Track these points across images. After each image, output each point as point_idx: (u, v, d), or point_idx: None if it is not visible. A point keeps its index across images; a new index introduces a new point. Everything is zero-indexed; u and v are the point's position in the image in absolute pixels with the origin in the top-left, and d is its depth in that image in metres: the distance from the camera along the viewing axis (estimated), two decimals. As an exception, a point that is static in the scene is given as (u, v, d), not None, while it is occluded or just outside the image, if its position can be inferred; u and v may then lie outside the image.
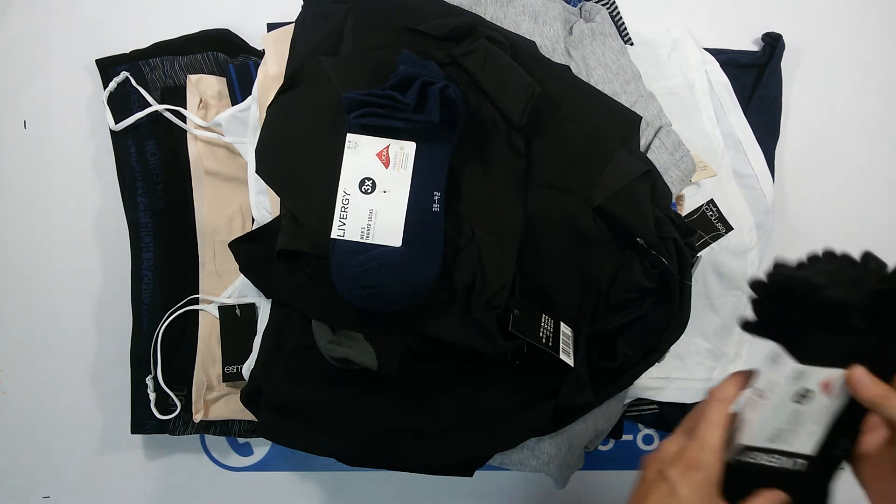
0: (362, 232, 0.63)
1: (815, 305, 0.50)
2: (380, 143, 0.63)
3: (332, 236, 0.62)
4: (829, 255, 0.53)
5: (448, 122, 0.63)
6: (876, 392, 0.49)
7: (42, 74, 0.85)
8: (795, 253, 0.90)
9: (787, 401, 0.52)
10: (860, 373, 0.49)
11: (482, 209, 0.67)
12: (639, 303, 0.70)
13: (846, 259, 0.53)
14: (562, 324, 0.67)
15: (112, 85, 0.80)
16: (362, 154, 0.63)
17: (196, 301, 0.80)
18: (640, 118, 0.73)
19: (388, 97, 0.61)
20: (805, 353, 0.51)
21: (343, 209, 0.63)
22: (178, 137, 0.80)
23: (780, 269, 0.54)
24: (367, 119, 0.61)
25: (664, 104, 0.78)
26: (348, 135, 0.63)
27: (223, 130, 0.77)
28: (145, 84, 0.80)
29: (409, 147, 0.63)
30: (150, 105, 0.79)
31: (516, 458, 0.79)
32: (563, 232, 0.68)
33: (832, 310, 0.50)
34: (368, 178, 0.63)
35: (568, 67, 0.72)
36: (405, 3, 0.72)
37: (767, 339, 0.53)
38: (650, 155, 0.75)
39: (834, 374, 0.51)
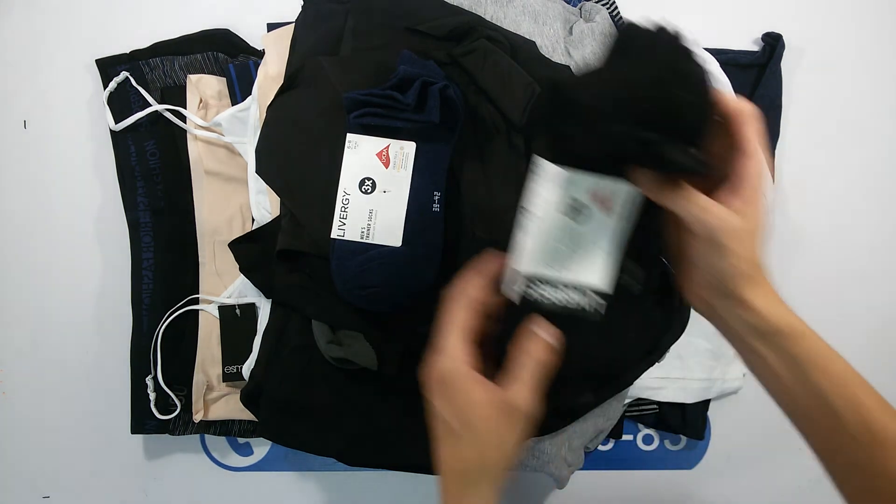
0: (362, 232, 0.63)
1: (582, 119, 0.44)
2: (380, 142, 0.63)
3: (331, 236, 0.63)
4: (644, 48, 0.43)
5: (448, 122, 0.63)
6: (664, 186, 0.46)
7: (42, 74, 0.85)
8: (796, 254, 0.91)
9: (560, 215, 0.48)
10: (643, 172, 0.46)
11: (482, 209, 0.67)
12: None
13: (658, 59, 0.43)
14: None
15: (112, 85, 0.80)
16: (362, 154, 0.63)
17: (196, 301, 0.80)
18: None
19: (388, 97, 0.61)
20: (571, 158, 0.47)
21: (343, 209, 0.63)
22: (178, 137, 0.80)
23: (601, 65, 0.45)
24: (368, 119, 0.61)
25: (664, 104, 0.78)
26: (348, 135, 0.63)
27: (223, 130, 0.77)
28: (145, 84, 0.80)
29: (409, 147, 0.63)
30: (150, 105, 0.79)
31: (516, 458, 0.79)
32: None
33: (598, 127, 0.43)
34: (368, 178, 0.63)
35: (568, 67, 0.72)
36: (405, 4, 0.72)
37: (535, 142, 0.49)
38: (650, 155, 0.75)
39: (607, 185, 0.48)
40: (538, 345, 0.49)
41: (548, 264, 0.49)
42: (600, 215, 0.49)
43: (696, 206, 0.46)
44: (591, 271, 0.49)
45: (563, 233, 0.49)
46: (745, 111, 0.48)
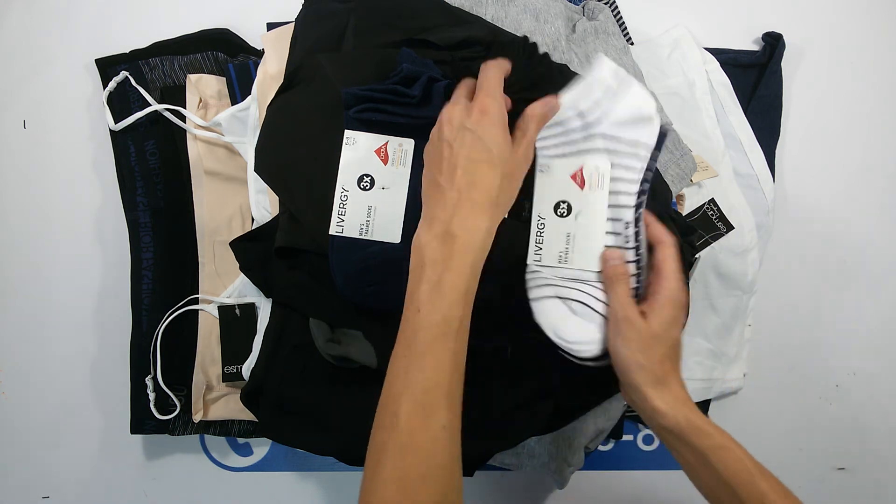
0: (361, 228, 0.63)
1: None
2: (378, 139, 0.63)
3: (330, 233, 0.62)
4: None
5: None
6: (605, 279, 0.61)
7: (42, 74, 0.85)
8: (796, 253, 0.91)
9: None
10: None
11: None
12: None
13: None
14: None
15: (112, 85, 0.80)
16: (361, 150, 0.63)
17: (196, 301, 0.80)
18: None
19: (390, 91, 0.61)
20: None
21: (341, 205, 0.63)
22: (177, 137, 0.80)
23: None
24: (368, 114, 0.61)
25: (664, 104, 0.78)
26: (347, 131, 0.63)
27: (223, 130, 0.77)
28: (145, 84, 0.80)
29: (408, 144, 0.63)
30: (150, 105, 0.79)
31: (516, 458, 0.79)
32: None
33: None
34: (367, 175, 0.63)
35: (566, 66, 0.71)
36: (407, 4, 0.72)
37: None
38: (650, 154, 0.75)
39: None
40: (537, 105, 0.60)
41: None
42: None
43: (615, 299, 0.60)
44: None
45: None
46: (664, 240, 0.61)
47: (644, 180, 0.61)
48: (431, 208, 0.56)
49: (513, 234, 0.63)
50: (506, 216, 0.60)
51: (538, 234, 0.63)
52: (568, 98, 0.60)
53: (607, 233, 0.62)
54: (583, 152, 0.62)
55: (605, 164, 0.62)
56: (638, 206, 0.61)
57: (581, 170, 0.62)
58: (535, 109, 0.60)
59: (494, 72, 0.59)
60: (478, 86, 0.58)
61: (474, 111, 0.56)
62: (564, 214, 0.62)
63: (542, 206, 0.63)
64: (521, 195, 0.61)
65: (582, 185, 0.62)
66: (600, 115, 0.61)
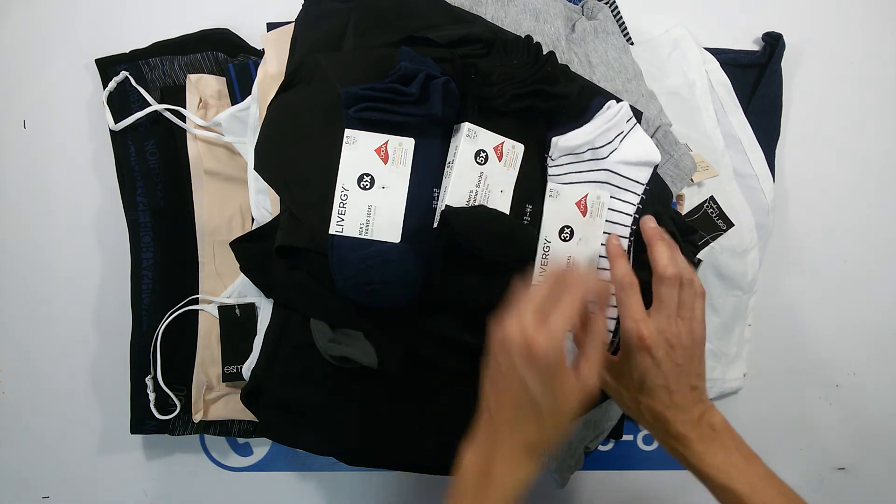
0: (361, 228, 0.63)
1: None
2: (378, 138, 0.63)
3: (330, 232, 0.62)
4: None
5: (447, 118, 0.63)
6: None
7: (42, 74, 0.85)
8: (796, 253, 0.91)
9: (471, 160, 0.62)
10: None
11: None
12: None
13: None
14: None
15: (112, 84, 0.80)
16: (361, 150, 0.63)
17: (196, 301, 0.80)
18: (639, 113, 0.73)
19: (389, 90, 0.61)
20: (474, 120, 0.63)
21: (341, 205, 0.63)
22: (177, 137, 0.80)
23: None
24: (367, 113, 0.61)
25: (664, 104, 0.78)
26: (347, 130, 0.63)
27: (223, 130, 0.77)
28: (145, 84, 0.80)
29: (408, 143, 0.63)
30: (150, 105, 0.79)
31: (516, 457, 0.79)
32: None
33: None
34: (367, 174, 0.63)
35: (567, 66, 0.72)
36: (408, 4, 0.72)
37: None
38: (650, 153, 0.75)
39: (499, 139, 0.63)
40: (602, 324, 0.54)
41: (466, 202, 0.62)
42: (497, 163, 0.63)
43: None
44: (499, 207, 0.64)
45: (474, 175, 0.63)
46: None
47: (635, 214, 0.66)
48: (481, 424, 0.56)
49: (518, 233, 0.63)
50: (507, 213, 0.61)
51: (543, 256, 0.66)
52: (585, 132, 0.64)
53: (601, 256, 0.66)
54: (589, 182, 0.66)
55: (605, 195, 0.66)
56: (630, 236, 0.65)
57: (585, 197, 0.65)
58: (599, 333, 0.54)
59: (569, 302, 0.51)
60: (553, 311, 0.51)
61: (525, 352, 0.50)
62: (567, 239, 0.66)
63: (548, 229, 0.66)
64: (524, 197, 0.62)
65: (584, 212, 0.66)
66: (609, 152, 0.65)
